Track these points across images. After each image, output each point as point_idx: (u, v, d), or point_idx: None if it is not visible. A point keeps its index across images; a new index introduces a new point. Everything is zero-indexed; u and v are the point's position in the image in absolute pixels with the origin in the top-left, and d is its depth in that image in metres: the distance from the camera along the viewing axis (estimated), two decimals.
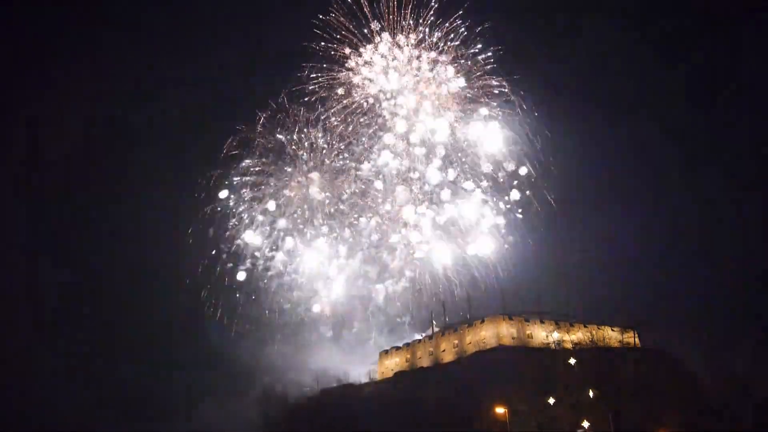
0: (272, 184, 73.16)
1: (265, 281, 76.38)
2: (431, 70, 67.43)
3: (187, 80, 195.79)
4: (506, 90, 67.63)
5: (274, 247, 75.13)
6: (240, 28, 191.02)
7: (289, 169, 72.62)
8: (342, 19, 66.67)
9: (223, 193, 72.58)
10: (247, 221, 73.56)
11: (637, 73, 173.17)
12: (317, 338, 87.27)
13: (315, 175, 71.68)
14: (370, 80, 68.14)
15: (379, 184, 73.39)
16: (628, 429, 58.64)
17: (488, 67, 68.12)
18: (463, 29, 67.09)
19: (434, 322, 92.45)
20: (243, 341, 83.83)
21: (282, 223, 73.74)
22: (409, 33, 65.72)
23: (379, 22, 65.41)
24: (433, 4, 65.51)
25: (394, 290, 78.61)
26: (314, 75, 68.20)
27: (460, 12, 67.14)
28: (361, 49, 66.97)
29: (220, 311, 77.08)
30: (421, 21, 66.19)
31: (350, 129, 70.72)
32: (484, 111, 69.03)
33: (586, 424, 59.20)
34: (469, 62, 67.18)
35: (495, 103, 69.00)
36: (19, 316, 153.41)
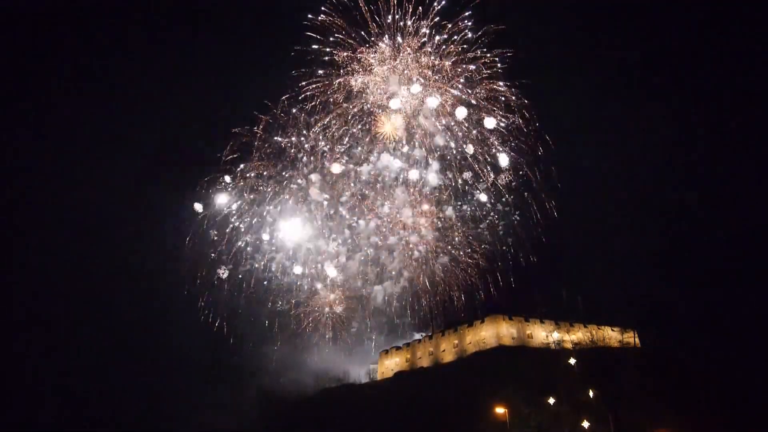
0: (271, 186, 73.06)
1: (265, 283, 76.32)
2: (434, 72, 66.93)
3: (186, 83, 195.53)
4: (512, 95, 67.12)
5: (273, 249, 75.10)
6: (237, 30, 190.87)
7: (288, 174, 72.49)
8: (339, 21, 65.99)
9: (222, 198, 72.31)
10: (246, 224, 73.46)
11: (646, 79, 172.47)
12: (317, 338, 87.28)
13: (315, 177, 71.60)
14: (370, 84, 67.75)
15: (378, 187, 73.24)
16: (628, 429, 58.72)
17: (494, 70, 67.24)
18: (468, 31, 65.93)
19: (434, 322, 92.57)
20: (243, 343, 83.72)
21: (282, 225, 73.69)
22: (410, 35, 65.11)
23: (379, 29, 64.79)
24: (436, 4, 64.38)
25: (393, 291, 78.58)
26: (310, 80, 67.60)
27: (467, 13, 65.73)
28: (360, 54, 66.29)
29: (218, 320, 76.85)
30: (423, 22, 65.16)
31: (349, 133, 70.42)
32: (487, 115, 68.62)
33: (586, 424, 59.20)
34: (473, 67, 66.34)
35: (496, 109, 68.58)
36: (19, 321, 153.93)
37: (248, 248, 74.00)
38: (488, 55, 66.07)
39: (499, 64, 66.69)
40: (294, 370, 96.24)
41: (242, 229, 73.66)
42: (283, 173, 72.23)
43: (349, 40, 65.92)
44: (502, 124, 67.85)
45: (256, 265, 74.44)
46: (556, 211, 72.27)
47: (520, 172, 70.40)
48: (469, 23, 65.52)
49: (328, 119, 69.20)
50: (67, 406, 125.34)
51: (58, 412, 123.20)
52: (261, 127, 69.76)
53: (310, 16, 65.60)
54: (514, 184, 70.49)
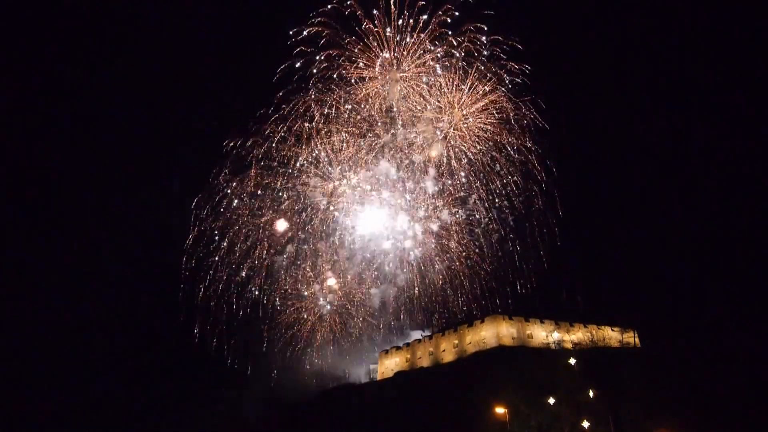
0: (270, 193, 73.18)
1: (266, 286, 76.49)
2: (434, 86, 66.38)
3: (184, 91, 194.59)
4: (520, 114, 66.85)
5: (273, 251, 75.28)
6: (233, 39, 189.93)
7: (282, 184, 72.56)
8: (341, 32, 65.54)
9: (223, 205, 72.53)
10: (246, 229, 73.62)
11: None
12: (317, 339, 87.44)
13: (314, 182, 71.73)
14: (370, 96, 67.47)
15: (376, 193, 73.47)
16: (628, 429, 58.72)
17: (504, 85, 66.64)
18: (471, 44, 65.15)
19: (434, 322, 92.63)
20: (240, 351, 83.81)
21: (281, 228, 73.87)
22: (411, 52, 64.43)
23: (381, 45, 64.33)
24: (440, 14, 63.64)
25: (393, 292, 78.77)
26: (308, 93, 67.36)
27: (471, 26, 64.78)
28: (360, 69, 65.78)
29: (215, 341, 76.87)
30: (423, 35, 64.24)
31: (349, 141, 70.38)
32: (490, 128, 68.43)
33: (586, 424, 59.23)
34: (485, 86, 65.70)
35: (495, 120, 68.28)
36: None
37: (248, 253, 74.20)
38: (499, 71, 65.72)
39: (506, 78, 66.46)
40: (294, 371, 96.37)
41: (243, 232, 73.92)
42: (283, 178, 72.34)
43: (348, 52, 65.54)
44: (512, 150, 67.84)
45: (257, 262, 74.74)
46: (555, 225, 72.13)
47: (524, 195, 70.47)
48: (483, 37, 64.68)
49: (327, 128, 69.29)
50: (74, 411, 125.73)
51: (59, 414, 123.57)
52: (261, 136, 69.83)
53: (292, 31, 64.81)
54: (513, 190, 70.61)
